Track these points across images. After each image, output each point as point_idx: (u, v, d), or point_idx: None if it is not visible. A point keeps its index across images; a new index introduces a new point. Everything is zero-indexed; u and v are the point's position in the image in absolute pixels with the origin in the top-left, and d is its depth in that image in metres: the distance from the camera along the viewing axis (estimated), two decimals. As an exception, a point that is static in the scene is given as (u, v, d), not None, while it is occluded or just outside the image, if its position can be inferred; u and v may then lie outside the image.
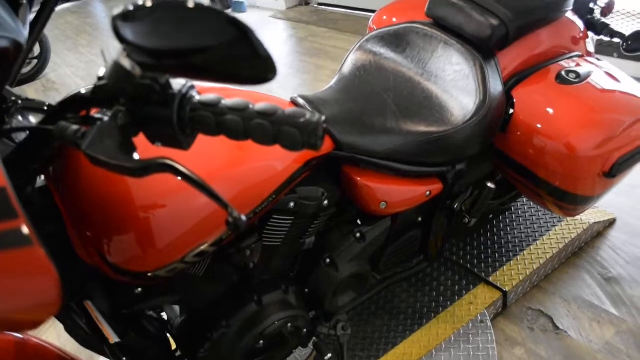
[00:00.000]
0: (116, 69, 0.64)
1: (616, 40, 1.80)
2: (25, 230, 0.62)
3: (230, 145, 1.08)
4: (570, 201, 1.55)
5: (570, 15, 1.71)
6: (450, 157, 1.43)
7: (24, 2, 0.97)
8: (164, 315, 1.45)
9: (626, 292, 1.88)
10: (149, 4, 0.59)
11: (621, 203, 2.25)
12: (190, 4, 0.58)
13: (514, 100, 1.50)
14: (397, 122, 1.38)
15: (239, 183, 1.06)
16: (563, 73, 1.50)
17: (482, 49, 1.47)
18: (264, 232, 1.24)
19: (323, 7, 5.80)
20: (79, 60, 6.06)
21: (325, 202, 1.30)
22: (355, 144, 1.31)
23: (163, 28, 0.59)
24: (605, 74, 1.57)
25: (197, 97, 0.68)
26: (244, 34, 0.58)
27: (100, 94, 0.70)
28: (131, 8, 0.59)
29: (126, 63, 0.62)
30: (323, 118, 0.65)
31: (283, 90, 4.00)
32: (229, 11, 6.63)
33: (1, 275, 0.63)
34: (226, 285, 1.33)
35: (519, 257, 1.97)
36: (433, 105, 1.42)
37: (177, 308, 1.42)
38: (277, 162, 1.15)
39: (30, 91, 5.08)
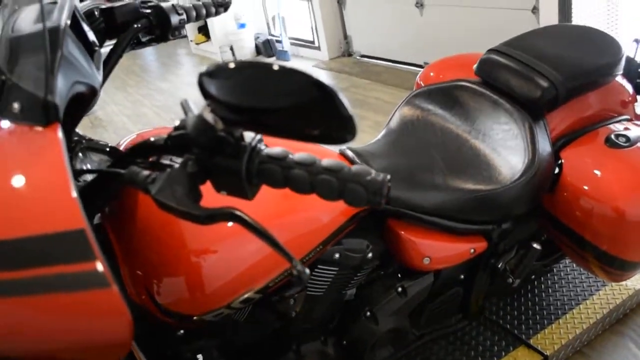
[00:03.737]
0: (198, 121, 0.66)
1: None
2: (103, 272, 0.65)
3: (278, 194, 1.11)
4: (617, 266, 1.52)
5: (619, 78, 1.70)
6: (496, 216, 1.42)
7: (98, 48, 1.03)
8: (200, 358, 1.45)
9: (674, 364, 1.81)
10: (235, 65, 0.62)
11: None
12: (275, 67, 0.60)
13: (562, 162, 1.49)
14: (444, 178, 1.39)
15: (289, 232, 1.08)
16: (612, 136, 1.49)
17: (531, 110, 1.48)
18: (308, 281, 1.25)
19: (366, 59, 5.90)
20: (126, 99, 6.26)
21: (370, 254, 1.31)
22: (402, 198, 1.32)
23: (248, 87, 0.62)
24: (655, 138, 1.56)
25: (266, 150, 0.70)
26: (329, 94, 0.60)
27: (174, 142, 0.73)
28: (218, 67, 0.63)
29: (209, 117, 0.65)
30: (388, 177, 0.66)
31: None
32: (272, 59, 6.80)
33: (78, 316, 0.65)
34: (266, 331, 1.33)
35: (560, 320, 1.92)
36: (481, 163, 1.43)
37: (214, 351, 1.42)
38: (325, 213, 1.17)
39: (78, 127, 5.24)
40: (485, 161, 1.43)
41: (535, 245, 1.49)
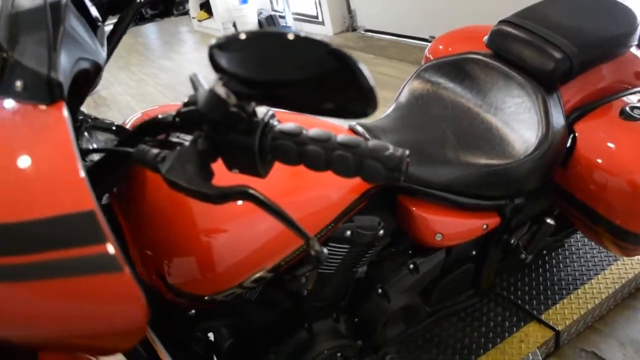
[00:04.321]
0: (210, 96, 0.64)
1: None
2: (114, 254, 0.63)
3: (287, 171, 1.09)
4: (631, 240, 1.49)
5: (633, 49, 1.66)
6: (509, 191, 1.40)
7: (101, 23, 1.00)
8: (211, 337, 1.45)
9: (687, 337, 1.80)
10: (247, 35, 0.59)
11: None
12: (290, 36, 0.58)
13: (576, 135, 1.46)
14: (455, 153, 1.36)
15: (300, 211, 1.06)
16: (627, 109, 1.45)
17: (545, 82, 1.44)
18: None
19: (370, 33, 5.82)
20: (129, 78, 6.22)
21: (381, 231, 1.29)
22: (413, 174, 1.29)
23: (261, 58, 0.60)
24: (671, 110, 1.52)
25: (279, 126, 0.68)
26: (348, 65, 0.57)
27: (184, 119, 0.71)
28: (229, 38, 0.60)
29: (221, 91, 0.62)
30: (407, 152, 0.64)
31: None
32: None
33: (90, 300, 0.63)
34: (277, 311, 1.32)
35: (572, 295, 1.90)
36: (493, 137, 1.40)
37: (225, 330, 1.42)
38: (336, 191, 1.15)
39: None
40: (497, 135, 1.40)
41: (549, 221, 1.47)
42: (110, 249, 0.63)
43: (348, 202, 1.16)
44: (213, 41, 0.61)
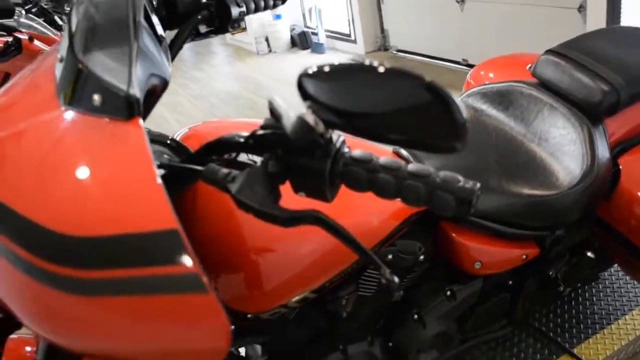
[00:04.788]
0: (299, 123, 0.64)
1: None
2: (199, 275, 0.63)
3: None
4: None
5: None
6: (551, 222, 1.39)
7: (165, 39, 1.02)
8: (242, 352, 1.45)
9: None
10: (337, 66, 0.60)
11: None
12: (381, 69, 0.58)
13: (620, 168, 1.45)
14: (499, 182, 1.35)
15: None
16: (674, 146, 1.44)
17: (590, 114, 1.43)
18: (360, 282, 1.23)
19: (402, 53, 5.85)
20: (161, 88, 6.30)
21: (422, 256, 1.29)
22: None
23: (351, 89, 0.60)
24: None
25: (350, 153, 0.68)
26: (443, 98, 0.58)
27: (259, 142, 0.72)
28: (320, 67, 0.61)
29: (310, 119, 0.63)
30: (478, 185, 0.64)
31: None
32: (307, 52, 6.78)
33: (176, 319, 0.64)
34: (314, 330, 1.32)
35: (605, 330, 1.87)
36: (537, 167, 1.39)
37: (258, 347, 1.42)
38: (380, 216, 1.15)
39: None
40: (541, 165, 1.39)
41: (589, 254, 1.46)
42: (195, 269, 0.63)
43: (391, 228, 1.16)
44: (303, 69, 0.62)
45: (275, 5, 1.40)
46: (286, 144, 0.68)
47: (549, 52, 1.56)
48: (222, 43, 8.51)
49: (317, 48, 6.65)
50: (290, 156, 0.68)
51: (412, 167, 0.66)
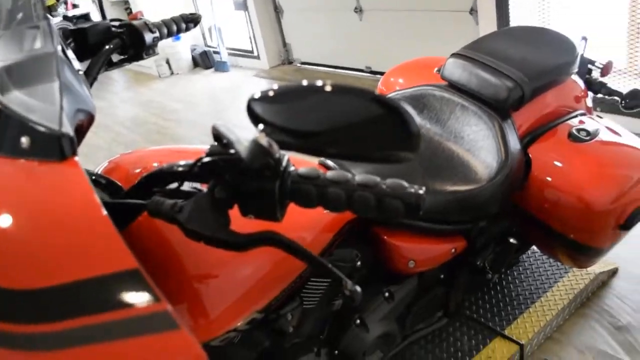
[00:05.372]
0: (254, 147, 0.64)
1: (614, 98, 1.89)
2: (169, 312, 0.61)
3: None
4: (584, 253, 1.59)
5: (574, 76, 1.79)
6: (474, 215, 1.47)
7: (82, 71, 0.99)
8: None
9: (638, 339, 1.91)
10: (283, 88, 0.61)
11: (621, 252, 2.30)
12: (328, 87, 0.60)
13: (530, 157, 1.56)
14: (423, 181, 1.42)
15: (281, 254, 1.08)
16: (574, 131, 1.57)
17: (499, 110, 1.53)
18: (302, 295, 1.24)
19: (306, 65, 5.93)
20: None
21: (359, 263, 1.32)
22: None
23: (301, 109, 0.62)
24: (610, 130, 1.65)
25: (297, 171, 0.70)
26: (393, 110, 0.60)
27: (204, 169, 0.71)
28: (268, 91, 0.62)
29: (264, 142, 0.64)
30: (423, 189, 0.68)
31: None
32: (210, 71, 6.73)
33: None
34: (259, 350, 1.31)
35: (531, 309, 1.99)
36: (456, 165, 1.47)
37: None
38: (314, 230, 1.17)
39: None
40: (460, 163, 1.47)
41: (512, 240, 1.55)
42: (164, 307, 0.61)
43: (327, 241, 1.19)
44: (251, 94, 0.63)
45: (187, 29, 1.39)
46: (237, 168, 0.68)
47: (455, 55, 1.66)
48: (121, 69, 8.25)
49: (221, 66, 6.62)
50: (239, 180, 0.68)
51: (359, 178, 0.68)
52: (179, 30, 1.36)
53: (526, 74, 1.53)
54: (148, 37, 1.26)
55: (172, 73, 7.06)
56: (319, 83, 0.61)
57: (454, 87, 1.63)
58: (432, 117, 1.59)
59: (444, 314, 1.73)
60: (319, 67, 5.75)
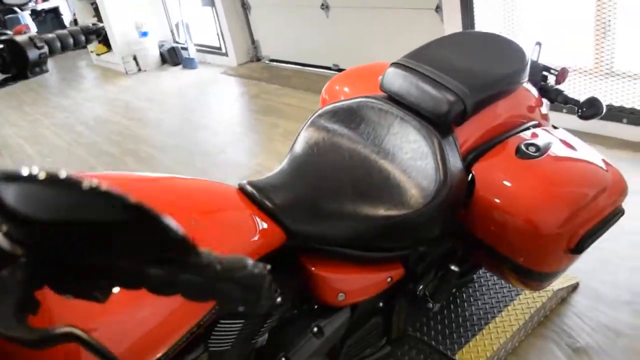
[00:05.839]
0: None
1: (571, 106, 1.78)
2: None
3: None
4: (533, 277, 1.48)
5: (525, 84, 1.67)
6: (412, 240, 1.35)
7: None
8: None
9: (595, 363, 1.81)
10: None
11: (582, 266, 2.20)
12: (86, 186, 0.46)
13: (474, 176, 1.44)
14: (354, 206, 1.29)
15: (174, 301, 0.95)
16: (522, 147, 1.45)
17: (439, 125, 1.41)
18: (210, 339, 1.11)
19: (275, 63, 5.79)
20: (22, 119, 5.86)
21: (279, 299, 1.19)
22: (310, 232, 1.22)
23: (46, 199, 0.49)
24: (563, 143, 1.54)
25: None
26: (148, 216, 0.48)
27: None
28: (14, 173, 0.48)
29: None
30: (268, 267, 0.55)
31: (235, 151, 3.90)
32: (178, 68, 6.55)
33: None
34: None
35: (484, 330, 1.88)
36: (391, 187, 1.34)
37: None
38: None
39: (-32, 155, 4.83)
40: (396, 184, 1.35)
41: (453, 268, 1.43)
42: None
43: None
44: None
45: (88, 41, 1.25)
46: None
47: (394, 64, 1.53)
48: (89, 65, 8.06)
49: (189, 63, 6.45)
50: (48, 255, 0.55)
51: (193, 259, 0.55)
52: (77, 44, 1.22)
53: (469, 86, 1.40)
54: (32, 54, 1.11)
55: (139, 70, 6.88)
56: (73, 178, 0.47)
57: (394, 99, 1.50)
58: (369, 132, 1.46)
59: (386, 341, 1.61)
60: (287, 65, 5.61)
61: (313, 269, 1.25)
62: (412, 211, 1.29)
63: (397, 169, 1.37)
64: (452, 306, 1.99)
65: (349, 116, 1.50)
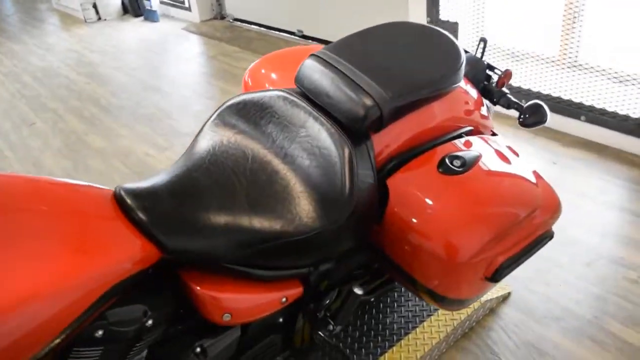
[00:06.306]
0: None
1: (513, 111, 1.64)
2: None
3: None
4: (447, 303, 1.36)
5: (462, 83, 1.52)
6: (311, 259, 1.21)
7: None
8: None
9: (515, 383, 1.73)
10: None
11: (516, 274, 2.10)
12: None
13: (389, 190, 1.30)
14: (244, 219, 1.14)
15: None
16: (447, 160, 1.30)
17: (353, 131, 1.25)
18: None
19: (239, 22, 5.53)
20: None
21: (150, 321, 1.05)
22: (188, 248, 1.07)
23: None
24: (497, 154, 1.40)
25: None
26: None
27: None
28: None
29: None
30: None
31: (182, 117, 3.70)
32: (140, 19, 6.23)
33: None
34: None
35: (403, 341, 1.77)
36: (291, 199, 1.19)
37: None
38: (76, 287, 0.90)
39: None
40: (296, 196, 1.20)
41: (356, 290, 1.30)
42: None
43: (89, 302, 0.92)
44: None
45: None
46: None
47: (313, 56, 1.36)
48: (49, 8, 7.66)
49: (150, 15, 6.14)
50: None
51: None
52: None
53: (389, 89, 1.23)
54: None
55: (99, 19, 6.54)
56: None
57: (307, 96, 1.33)
58: (277, 133, 1.29)
59: (290, 354, 1.49)
60: (250, 26, 5.36)
61: (194, 286, 1.11)
62: (310, 229, 1.14)
63: (300, 178, 1.22)
64: (373, 311, 1.88)
65: (259, 111, 1.33)
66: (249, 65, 4.05)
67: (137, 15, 6.38)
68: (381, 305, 1.90)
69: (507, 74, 1.62)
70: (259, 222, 1.14)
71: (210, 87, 4.15)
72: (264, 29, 5.18)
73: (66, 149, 3.47)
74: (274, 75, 1.68)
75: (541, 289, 2.04)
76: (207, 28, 5.57)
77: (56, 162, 3.32)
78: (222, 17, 5.74)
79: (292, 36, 4.81)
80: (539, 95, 3.12)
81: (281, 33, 4.98)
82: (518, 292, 2.04)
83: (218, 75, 4.36)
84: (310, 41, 4.64)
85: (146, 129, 3.59)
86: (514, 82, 3.19)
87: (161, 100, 4.00)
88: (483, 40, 1.65)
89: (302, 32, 4.71)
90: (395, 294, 1.94)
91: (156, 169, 3.08)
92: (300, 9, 4.65)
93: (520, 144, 2.94)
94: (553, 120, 2.66)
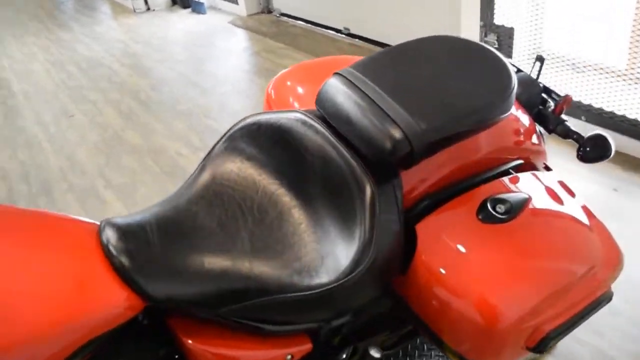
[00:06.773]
0: None
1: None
2: None
3: None
4: None
5: (512, 109, 1.29)
6: (322, 315, 1.05)
7: None
8: None
9: None
10: None
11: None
12: None
13: (417, 236, 1.11)
14: (245, 267, 0.98)
15: None
16: (489, 205, 1.10)
17: (379, 167, 1.06)
18: None
19: (285, 17, 5.38)
20: (20, 50, 5.59)
21: None
22: (177, 297, 0.93)
23: None
24: (550, 195, 1.19)
25: None
26: None
27: None
28: None
29: None
30: None
31: (219, 117, 3.57)
32: (187, 11, 6.16)
33: None
34: None
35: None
36: (301, 245, 1.02)
37: None
38: (45, 341, 0.78)
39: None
40: (308, 243, 1.03)
41: (373, 353, 1.12)
42: None
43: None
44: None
45: None
46: None
47: (338, 75, 1.17)
48: (101, -2, 7.71)
49: (198, 7, 6.06)
50: None
51: None
52: None
53: (423, 120, 1.02)
54: None
55: (148, 9, 6.51)
56: None
57: (328, 121, 1.14)
58: (291, 164, 1.11)
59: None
60: (297, 22, 5.20)
61: (184, 339, 0.97)
62: (319, 285, 0.97)
63: (313, 221, 1.05)
64: None
65: (273, 136, 1.15)
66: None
67: (185, 6, 6.31)
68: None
69: (566, 100, 1.40)
70: (261, 271, 0.99)
71: (251, 84, 4.02)
72: (310, 26, 5.02)
73: (102, 143, 3.41)
74: (300, 89, 1.51)
75: (593, 340, 1.81)
76: (253, 22, 5.44)
77: (90, 157, 3.25)
78: (269, 12, 5.61)
79: (339, 34, 4.63)
80: (600, 112, 2.85)
81: (327, 30, 4.80)
82: (564, 343, 1.81)
83: (260, 72, 4.22)
84: (357, 40, 4.44)
85: (182, 126, 3.49)
86: (573, 96, 2.92)
87: (200, 97, 3.89)
88: (540, 59, 1.43)
89: (348, 30, 4.53)
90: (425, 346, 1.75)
91: (186, 171, 2.96)
92: (347, 7, 4.46)
93: (574, 167, 2.67)
94: (614, 140, 2.40)
